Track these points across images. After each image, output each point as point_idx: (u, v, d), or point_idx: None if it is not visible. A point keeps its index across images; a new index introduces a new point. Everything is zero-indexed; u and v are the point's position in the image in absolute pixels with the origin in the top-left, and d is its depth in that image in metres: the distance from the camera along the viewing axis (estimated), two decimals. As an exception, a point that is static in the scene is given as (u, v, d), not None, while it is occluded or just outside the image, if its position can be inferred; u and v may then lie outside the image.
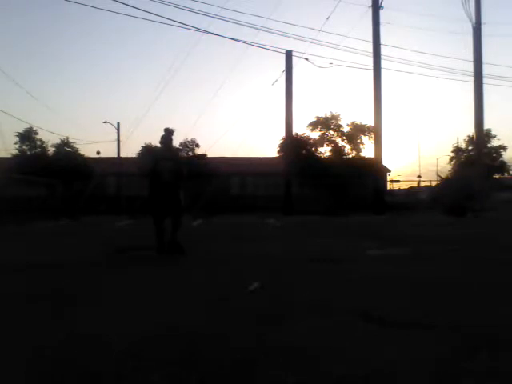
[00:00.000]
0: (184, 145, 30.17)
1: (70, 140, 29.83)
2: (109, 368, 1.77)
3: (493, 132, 31.13)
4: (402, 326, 2.27)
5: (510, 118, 62.54)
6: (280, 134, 24.32)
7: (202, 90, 62.40)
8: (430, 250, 5.37)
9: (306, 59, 19.37)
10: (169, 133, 5.70)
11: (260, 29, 20.77)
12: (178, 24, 28.54)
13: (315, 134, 27.07)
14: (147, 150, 6.82)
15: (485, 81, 19.07)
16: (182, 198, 5.53)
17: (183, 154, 29.84)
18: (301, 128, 27.21)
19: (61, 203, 18.23)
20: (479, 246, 5.82)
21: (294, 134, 22.76)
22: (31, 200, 16.02)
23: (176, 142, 34.18)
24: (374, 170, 18.22)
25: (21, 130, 28.90)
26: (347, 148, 27.09)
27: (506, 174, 32.81)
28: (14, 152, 28.75)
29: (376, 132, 18.23)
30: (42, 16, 58.33)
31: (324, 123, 26.87)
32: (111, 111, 64.86)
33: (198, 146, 30.35)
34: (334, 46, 31.45)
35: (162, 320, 2.47)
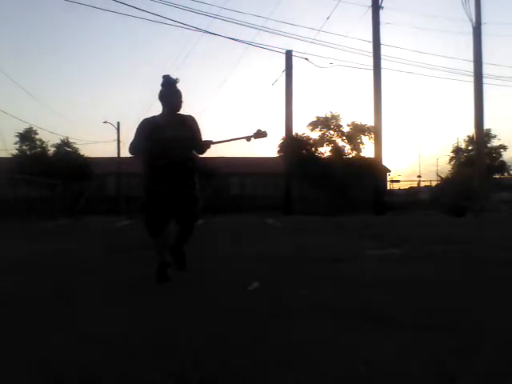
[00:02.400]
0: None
1: (70, 140, 29.88)
2: (109, 368, 1.77)
3: (493, 132, 31.16)
4: (402, 326, 2.27)
5: (510, 118, 62.61)
6: (280, 134, 24.35)
7: (201, 90, 62.45)
8: (430, 250, 5.37)
9: (306, 59, 19.41)
10: (169, 84, 3.52)
11: (260, 29, 20.83)
12: (178, 24, 28.58)
13: (315, 134, 27.09)
14: (142, 124, 4.11)
15: (485, 81, 19.12)
16: (197, 192, 3.55)
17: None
18: (301, 128, 27.22)
19: (61, 203, 18.23)
20: (479, 246, 5.82)
21: (294, 134, 22.78)
22: (31, 200, 16.02)
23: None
24: (373, 170, 18.24)
25: (21, 130, 28.95)
26: (347, 148, 27.10)
27: (506, 174, 32.83)
28: (14, 152, 28.79)
29: (376, 132, 18.26)
30: (41, 16, 58.37)
31: (324, 123, 26.88)
32: (111, 111, 64.99)
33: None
34: (334, 46, 31.50)
35: (161, 320, 2.47)
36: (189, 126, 3.55)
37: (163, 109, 3.56)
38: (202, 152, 3.63)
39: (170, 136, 3.42)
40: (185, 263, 3.66)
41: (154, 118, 3.55)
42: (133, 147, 3.50)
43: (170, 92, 3.52)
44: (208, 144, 3.58)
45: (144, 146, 3.47)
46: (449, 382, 1.61)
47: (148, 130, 3.46)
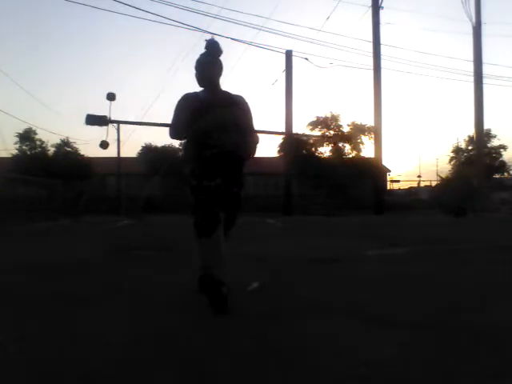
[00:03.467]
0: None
1: (70, 140, 29.91)
2: (109, 368, 1.77)
3: (493, 132, 31.20)
4: (402, 326, 2.27)
5: (510, 118, 62.66)
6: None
7: (201, 90, 62.20)
8: (430, 250, 5.37)
9: (306, 59, 19.41)
10: (215, 50, 2.84)
11: (260, 29, 20.83)
12: (178, 24, 28.60)
13: (315, 134, 27.09)
14: (183, 101, 2.83)
15: (485, 81, 19.14)
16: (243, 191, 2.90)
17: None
18: (301, 128, 27.25)
19: (61, 203, 18.22)
20: (479, 246, 5.81)
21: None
22: (31, 200, 16.01)
23: (176, 141, 34.20)
24: (373, 170, 18.23)
25: (21, 130, 28.98)
26: (347, 148, 27.13)
27: (506, 174, 32.86)
28: (14, 152, 28.82)
29: (376, 132, 18.25)
30: (42, 16, 58.40)
31: (324, 123, 26.89)
32: (111, 111, 64.99)
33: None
34: (334, 46, 31.54)
35: (161, 320, 2.47)
36: (238, 107, 2.84)
37: (201, 85, 2.89)
38: (253, 147, 2.88)
39: (220, 117, 2.73)
40: (223, 301, 2.60)
41: (197, 93, 2.86)
42: (175, 130, 2.84)
43: (204, 61, 2.84)
44: (253, 137, 2.85)
45: (186, 129, 2.77)
46: (449, 382, 1.61)
47: (192, 107, 2.75)
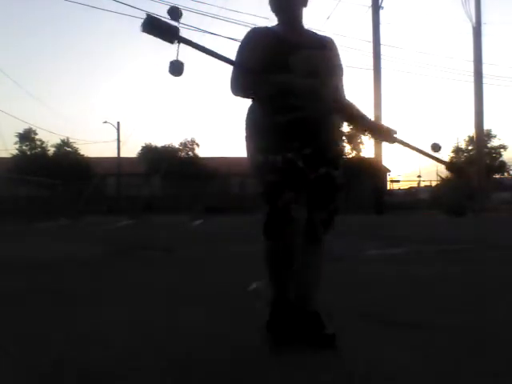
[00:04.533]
0: (184, 145, 30.29)
1: (70, 140, 29.95)
2: (109, 368, 1.77)
3: (493, 132, 31.24)
4: (402, 326, 2.27)
5: (509, 118, 62.72)
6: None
7: (202, 90, 62.45)
8: (430, 250, 5.37)
9: (306, 59, 19.42)
10: None
11: (260, 29, 20.82)
12: (178, 24, 28.57)
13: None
14: (253, 37, 1.88)
15: (485, 81, 19.16)
16: (340, 172, 2.11)
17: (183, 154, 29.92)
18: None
19: (61, 203, 18.23)
20: (479, 246, 5.82)
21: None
22: (31, 200, 16.02)
23: (176, 141, 34.17)
24: (373, 170, 18.25)
25: (21, 130, 29.01)
26: (347, 148, 27.14)
27: (506, 174, 32.88)
28: (14, 152, 28.84)
29: (376, 132, 18.26)
30: (42, 16, 58.42)
31: (324, 123, 26.87)
32: (111, 111, 65.09)
33: (198, 145, 30.54)
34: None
35: (161, 320, 2.47)
36: (331, 51, 2.02)
37: (277, 16, 1.96)
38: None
39: (310, 63, 1.84)
40: (330, 337, 1.91)
41: (269, 28, 1.97)
42: (239, 83, 1.90)
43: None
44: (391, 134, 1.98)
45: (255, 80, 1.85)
46: (449, 382, 1.61)
47: (266, 48, 1.84)
